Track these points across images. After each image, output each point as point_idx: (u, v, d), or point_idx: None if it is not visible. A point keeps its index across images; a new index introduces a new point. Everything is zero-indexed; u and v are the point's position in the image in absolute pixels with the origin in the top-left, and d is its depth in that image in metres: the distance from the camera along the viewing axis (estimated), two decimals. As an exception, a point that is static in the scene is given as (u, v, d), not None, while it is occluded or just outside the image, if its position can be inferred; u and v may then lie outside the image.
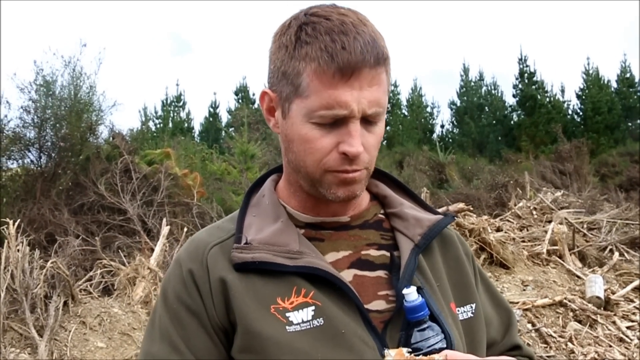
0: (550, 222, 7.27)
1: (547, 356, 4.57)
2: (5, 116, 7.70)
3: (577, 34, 41.35)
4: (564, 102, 23.05)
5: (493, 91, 24.11)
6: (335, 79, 0.94)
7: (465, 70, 24.33)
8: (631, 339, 4.98)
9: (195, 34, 45.25)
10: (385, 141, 21.45)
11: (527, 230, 7.35)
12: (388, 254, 1.08)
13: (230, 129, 18.05)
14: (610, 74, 32.84)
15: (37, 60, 8.15)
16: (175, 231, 6.51)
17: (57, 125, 7.72)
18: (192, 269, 1.03)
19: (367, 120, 0.99)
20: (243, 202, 1.13)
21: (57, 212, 6.91)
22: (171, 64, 40.99)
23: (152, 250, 5.51)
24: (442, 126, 25.33)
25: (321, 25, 0.96)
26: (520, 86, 22.95)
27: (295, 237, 1.04)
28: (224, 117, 22.97)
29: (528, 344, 4.44)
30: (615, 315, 5.33)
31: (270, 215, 1.08)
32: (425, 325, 0.98)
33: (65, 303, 4.32)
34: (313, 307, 0.98)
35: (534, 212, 7.94)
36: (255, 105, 20.34)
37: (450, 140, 23.28)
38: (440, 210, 1.25)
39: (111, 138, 8.45)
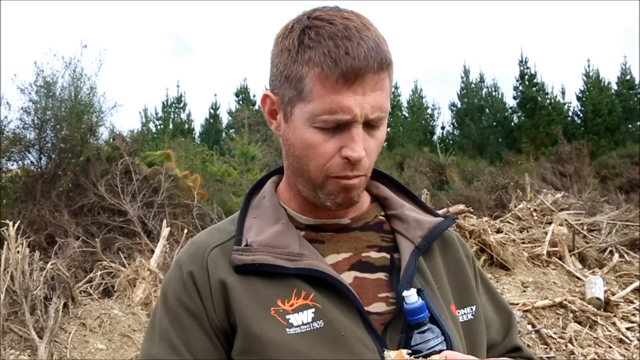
0: (550, 223, 7.27)
1: (547, 357, 4.57)
2: (6, 117, 7.72)
3: (577, 35, 41.38)
4: (564, 103, 23.09)
5: (493, 93, 24.14)
6: (339, 84, 0.94)
7: (466, 72, 24.37)
8: (631, 340, 4.98)
9: (195, 35, 45.29)
10: (385, 143, 21.30)
11: (527, 231, 7.35)
12: (388, 256, 1.08)
13: (231, 131, 18.06)
14: (610, 76, 32.84)
15: (37, 62, 8.17)
16: (176, 233, 6.51)
17: (58, 126, 7.72)
18: (193, 270, 1.03)
19: (370, 125, 0.99)
20: (243, 204, 1.13)
21: (57, 214, 6.91)
22: (172, 65, 41.05)
23: (153, 251, 5.51)
24: (443, 128, 25.38)
25: (324, 30, 0.96)
26: (520, 88, 22.97)
27: (295, 239, 1.04)
28: (225, 119, 23.02)
29: (528, 345, 4.44)
30: (615, 316, 5.33)
31: (271, 217, 1.08)
32: (425, 328, 0.98)
33: (65, 305, 4.32)
34: (313, 310, 0.98)
35: (534, 214, 7.95)
36: (256, 107, 20.35)
37: (451, 141, 23.29)
38: (440, 211, 1.25)
39: (111, 139, 8.46)
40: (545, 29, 40.52)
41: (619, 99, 22.46)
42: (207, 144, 16.23)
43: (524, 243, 6.82)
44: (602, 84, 22.83)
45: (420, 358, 0.93)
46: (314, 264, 1.00)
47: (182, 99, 22.31)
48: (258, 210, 1.10)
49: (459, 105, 24.15)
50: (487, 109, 23.67)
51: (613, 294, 5.64)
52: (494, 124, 23.06)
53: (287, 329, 0.96)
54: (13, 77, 9.80)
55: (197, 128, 23.15)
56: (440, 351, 0.95)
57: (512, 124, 23.03)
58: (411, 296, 0.98)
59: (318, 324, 0.97)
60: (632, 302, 5.72)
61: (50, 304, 4.18)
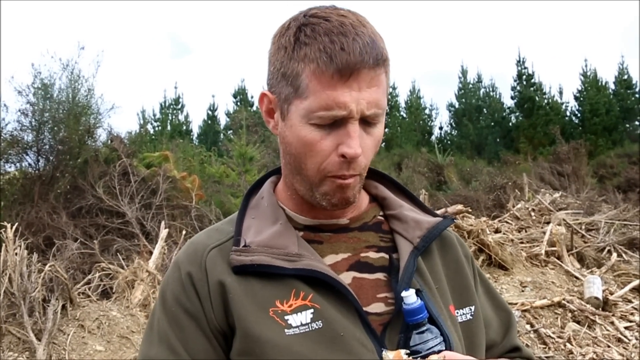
0: (548, 223, 7.28)
1: (546, 357, 4.57)
2: (3, 119, 7.70)
3: (575, 35, 41.45)
4: (562, 103, 23.12)
5: (491, 93, 24.17)
6: (334, 80, 0.94)
7: (464, 72, 24.41)
8: (629, 339, 4.98)
9: (193, 36, 45.30)
10: (383, 143, 21.44)
11: (526, 231, 7.36)
12: (387, 256, 1.08)
13: (229, 132, 18.03)
14: (608, 76, 32.93)
15: (35, 63, 8.16)
16: (174, 234, 6.50)
17: (55, 128, 7.71)
18: (191, 271, 1.03)
19: (366, 122, 0.99)
20: (242, 204, 1.13)
21: (55, 216, 6.90)
22: (169, 66, 41.03)
23: (151, 253, 5.51)
24: (441, 128, 25.49)
25: (320, 27, 0.96)
26: (518, 88, 23.00)
27: (294, 240, 1.04)
28: (223, 120, 23.00)
29: (527, 345, 4.44)
30: (613, 315, 5.34)
31: (269, 218, 1.07)
32: (424, 328, 0.98)
33: (63, 306, 4.31)
34: (312, 310, 0.98)
35: (533, 214, 7.95)
36: (254, 108, 20.37)
37: (449, 142, 23.32)
38: (438, 212, 1.25)
39: (109, 141, 8.45)
40: (543, 29, 40.60)
41: (616, 99, 22.50)
42: (205, 145, 16.22)
43: (522, 243, 6.83)
44: (600, 83, 22.87)
45: (419, 358, 0.93)
46: (312, 264, 1.00)
47: (180, 100, 22.32)
48: (256, 211, 1.10)
49: (456, 106, 24.18)
50: (484, 109, 23.70)
51: (611, 294, 5.65)
52: (492, 124, 23.09)
53: (285, 330, 0.96)
54: (10, 79, 9.80)
55: (195, 129, 23.18)
56: (439, 351, 0.95)
57: (510, 124, 23.06)
58: (410, 296, 0.98)
59: (317, 324, 0.97)
60: (630, 301, 5.73)
61: (48, 306, 4.18)
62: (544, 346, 4.75)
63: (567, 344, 4.77)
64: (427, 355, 0.95)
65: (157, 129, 20.66)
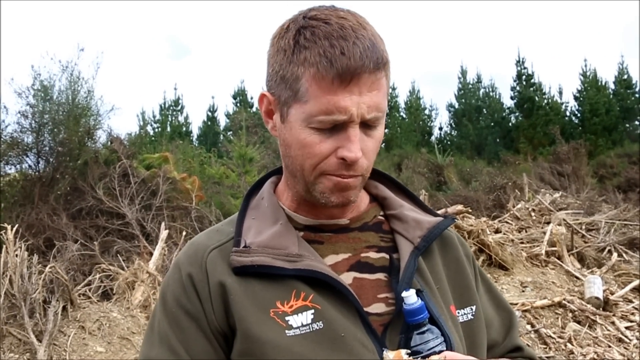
0: (548, 223, 7.28)
1: (547, 357, 4.57)
2: (3, 121, 7.70)
3: (574, 35, 41.46)
4: (561, 103, 23.13)
5: (491, 93, 24.17)
6: (335, 85, 0.94)
7: (463, 73, 24.41)
8: (630, 339, 4.98)
9: (193, 37, 45.31)
10: (383, 144, 21.40)
11: (526, 231, 7.36)
12: (387, 256, 1.07)
13: (229, 133, 18.03)
14: (608, 76, 32.92)
15: (34, 65, 8.17)
16: (174, 235, 6.50)
17: (55, 130, 7.71)
18: (191, 272, 1.03)
19: (367, 125, 0.98)
20: (242, 205, 1.12)
21: (55, 217, 6.90)
22: (169, 67, 41.04)
23: (151, 254, 5.51)
24: (441, 128, 25.46)
25: (320, 30, 0.96)
26: (518, 88, 23.01)
27: (294, 240, 1.04)
28: (222, 121, 23.01)
29: (528, 345, 4.43)
30: (614, 315, 5.34)
31: (270, 218, 1.07)
32: (424, 328, 0.98)
33: (64, 308, 4.31)
34: (312, 311, 0.98)
35: (533, 214, 7.95)
36: (254, 109, 20.37)
37: (449, 142, 23.32)
38: (439, 212, 1.24)
39: (109, 142, 8.45)
40: (542, 29, 40.61)
41: (616, 99, 22.51)
42: (204, 147, 16.21)
43: (522, 243, 6.83)
44: (600, 83, 22.87)
45: (420, 358, 0.93)
46: (313, 264, 1.00)
47: (180, 101, 22.32)
48: (257, 211, 1.10)
49: (456, 106, 24.18)
50: (484, 110, 23.71)
51: (612, 293, 5.65)
52: (492, 124, 23.09)
53: (286, 331, 0.96)
54: (10, 80, 9.79)
55: (195, 130, 23.19)
56: (440, 352, 0.95)
57: (510, 124, 23.07)
58: (410, 297, 0.98)
59: (317, 325, 0.97)
60: (631, 301, 5.72)
61: (49, 307, 4.17)
62: (544, 346, 4.75)
63: (568, 344, 4.76)
64: (428, 356, 0.94)
65: (156, 130, 20.67)
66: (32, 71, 7.87)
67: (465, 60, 39.45)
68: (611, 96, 22.60)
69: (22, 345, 4.00)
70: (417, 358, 0.93)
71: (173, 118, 22.01)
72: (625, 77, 22.97)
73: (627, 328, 5.18)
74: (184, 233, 6.18)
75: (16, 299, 4.08)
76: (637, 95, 22.61)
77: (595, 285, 5.58)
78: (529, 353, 1.22)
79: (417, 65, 42.58)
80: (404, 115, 24.04)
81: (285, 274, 0.99)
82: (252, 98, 22.85)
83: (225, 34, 45.76)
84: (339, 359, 0.95)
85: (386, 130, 22.38)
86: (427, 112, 24.68)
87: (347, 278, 1.03)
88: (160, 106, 21.93)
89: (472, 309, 1.11)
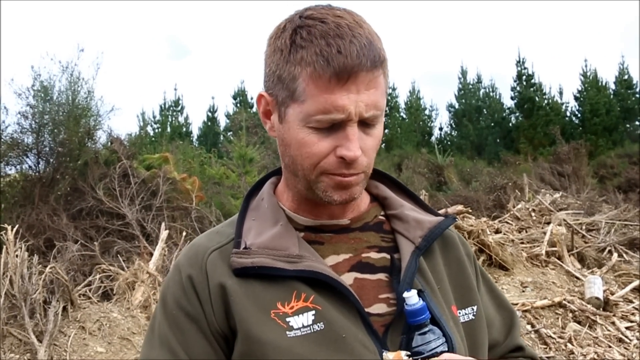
0: (549, 223, 7.28)
1: (547, 357, 4.57)
2: (3, 122, 7.70)
3: (575, 36, 41.47)
4: (562, 104, 23.13)
5: (491, 93, 24.17)
6: (332, 84, 0.93)
7: (463, 73, 24.42)
8: (630, 340, 4.98)
9: (193, 37, 45.32)
10: (383, 144, 21.47)
11: (526, 231, 7.36)
12: (388, 256, 1.07)
13: (229, 133, 18.04)
14: (608, 76, 32.94)
15: (34, 66, 8.15)
16: (174, 235, 6.50)
17: (55, 130, 7.71)
18: (191, 274, 1.03)
19: (365, 123, 0.98)
20: (242, 206, 1.12)
21: (55, 218, 6.91)
22: (169, 68, 41.05)
23: (151, 254, 5.51)
24: (441, 129, 25.45)
25: (316, 29, 0.95)
26: (518, 88, 23.01)
27: (294, 241, 1.03)
28: (222, 121, 23.01)
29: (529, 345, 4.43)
30: (614, 315, 5.34)
31: (270, 219, 1.07)
32: (426, 329, 0.97)
33: (64, 308, 4.31)
34: (313, 312, 0.97)
35: (533, 214, 7.95)
36: (254, 109, 20.35)
37: (449, 142, 23.32)
38: (439, 212, 1.24)
39: (109, 143, 8.45)
40: (543, 30, 40.62)
41: (616, 99, 22.51)
42: (205, 147, 16.21)
43: (522, 243, 6.83)
44: (600, 83, 22.87)
45: (419, 359, 0.92)
46: (313, 265, 1.00)
47: (180, 102, 22.34)
48: (257, 212, 1.09)
49: (456, 106, 24.19)
50: (484, 110, 23.71)
51: (612, 294, 5.65)
52: (492, 124, 23.09)
53: (287, 332, 0.96)
54: (10, 81, 9.81)
55: (195, 131, 23.19)
56: (441, 352, 0.95)
57: (510, 124, 23.07)
58: (412, 297, 0.97)
59: (318, 326, 0.97)
60: (631, 301, 5.72)
61: (49, 308, 4.18)
62: (544, 346, 4.75)
63: (568, 344, 4.76)
64: (429, 357, 0.94)
65: (157, 130, 20.67)
66: (32, 72, 7.88)
67: (465, 61, 39.51)
68: (612, 96, 22.59)
69: (22, 346, 4.00)
70: (417, 359, 0.93)
71: (173, 118, 22.02)
72: (626, 77, 22.97)
73: (627, 328, 5.18)
74: (184, 233, 6.18)
75: (16, 299, 4.08)
76: (637, 96, 22.61)
77: (595, 285, 5.58)
78: (530, 353, 1.22)
79: (417, 66, 42.62)
80: (404, 116, 24.05)
81: (285, 275, 0.99)
82: (252, 98, 22.85)
83: (225, 34, 45.80)
84: (340, 359, 0.95)
85: (386, 131, 22.53)
86: (427, 112, 24.70)
87: (348, 278, 1.03)
88: (161, 107, 21.96)
89: (473, 309, 1.11)
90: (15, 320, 4.11)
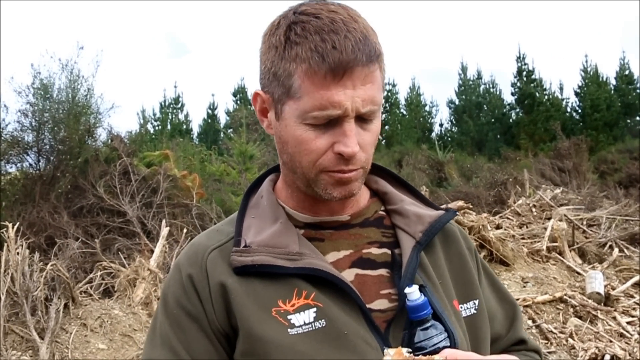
0: (549, 219, 7.28)
1: (548, 352, 4.57)
2: (3, 120, 7.71)
3: (575, 31, 41.39)
4: (562, 99, 23.09)
5: (491, 89, 24.12)
6: (327, 80, 0.93)
7: (464, 69, 24.36)
8: (631, 334, 4.98)
9: (192, 35, 45.24)
10: (384, 140, 21.48)
11: (527, 227, 7.36)
12: (389, 252, 1.07)
13: (229, 130, 18.02)
14: (609, 71, 32.88)
15: (34, 64, 8.18)
16: (175, 232, 6.51)
17: (55, 128, 7.72)
18: (192, 273, 1.02)
19: (362, 119, 0.97)
20: (242, 204, 1.12)
21: (56, 215, 6.91)
22: (169, 66, 40.99)
23: (152, 251, 5.51)
24: (441, 125, 25.38)
25: (310, 25, 0.94)
26: (518, 84, 22.96)
27: (295, 238, 1.03)
28: (223, 119, 22.97)
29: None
30: (615, 310, 5.34)
31: (269, 217, 1.07)
32: (428, 324, 0.97)
33: (65, 305, 4.32)
34: (315, 309, 0.97)
35: (534, 210, 7.95)
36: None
37: (449, 138, 23.29)
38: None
39: (109, 140, 8.46)
40: (543, 25, 40.52)
41: (617, 94, 22.46)
42: (205, 144, 16.19)
43: (523, 239, 6.83)
44: (601, 79, 22.82)
45: (420, 356, 0.92)
46: (314, 262, 0.99)
47: (180, 99, 22.30)
48: (256, 210, 1.09)
49: (456, 102, 24.15)
50: (485, 106, 23.67)
51: (613, 289, 5.65)
52: (492, 120, 23.06)
53: (288, 330, 0.96)
54: (10, 79, 9.82)
55: (195, 128, 23.14)
56: (443, 348, 0.94)
57: (511, 120, 23.04)
58: (413, 293, 0.97)
59: (320, 323, 0.96)
60: (632, 296, 5.73)
61: (50, 305, 4.19)
62: (546, 341, 4.76)
63: (569, 339, 4.77)
64: (431, 352, 0.94)
65: (157, 128, 20.64)
66: (32, 70, 7.89)
67: (465, 57, 39.35)
68: (612, 92, 22.55)
69: (24, 343, 4.01)
70: (417, 355, 0.93)
71: (173, 116, 22.00)
72: (627, 72, 22.92)
73: (628, 323, 5.18)
74: (184, 230, 6.19)
75: (18, 296, 4.09)
76: (638, 91, 22.57)
77: (596, 280, 5.59)
78: (532, 346, 1.22)
79: (417, 62, 42.54)
80: (405, 112, 24.01)
81: (286, 273, 0.99)
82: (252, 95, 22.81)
83: (224, 31, 45.75)
84: (342, 357, 0.95)
85: (386, 127, 22.51)
86: (427, 108, 24.65)
87: (349, 275, 1.02)
88: (161, 104, 21.93)
89: (475, 303, 1.10)
90: (16, 317, 4.12)
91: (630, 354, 4.67)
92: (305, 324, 0.96)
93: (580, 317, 5.17)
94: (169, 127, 20.79)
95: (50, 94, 7.85)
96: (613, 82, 23.05)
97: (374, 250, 1.07)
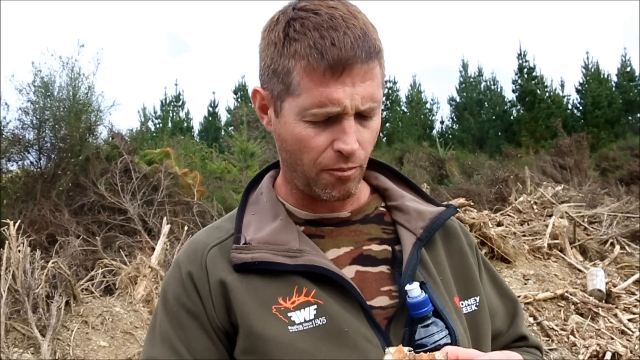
0: (551, 216, 7.28)
1: (549, 349, 4.57)
2: (4, 118, 7.72)
3: (576, 28, 41.33)
4: (563, 96, 23.08)
5: (492, 87, 24.11)
6: (326, 77, 0.92)
7: (465, 66, 24.35)
8: (633, 331, 4.98)
9: (192, 33, 45.25)
10: (385, 138, 21.48)
11: (528, 224, 7.36)
12: (390, 248, 1.06)
13: (230, 128, 18.04)
14: (610, 68, 32.79)
15: (35, 62, 8.16)
16: (176, 230, 6.51)
17: (56, 126, 7.72)
18: (191, 271, 1.02)
19: (362, 116, 0.96)
20: (241, 201, 1.11)
21: (57, 213, 6.92)
22: (169, 63, 41.02)
23: (153, 249, 5.52)
24: (442, 122, 25.45)
25: (309, 21, 0.94)
26: (519, 81, 22.95)
27: (295, 235, 1.02)
28: (223, 116, 22.99)
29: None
30: (616, 307, 5.34)
31: (269, 213, 1.06)
32: (429, 321, 0.97)
33: (67, 303, 4.33)
34: (315, 306, 0.97)
35: (535, 207, 7.95)
36: (255, 104, 20.31)
37: (450, 136, 23.28)
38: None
39: (110, 138, 8.46)
40: (544, 22, 40.47)
41: (618, 91, 22.44)
42: (206, 142, 16.20)
43: (524, 236, 6.83)
44: (602, 76, 22.79)
45: (421, 353, 0.92)
46: (314, 259, 0.99)
47: (181, 97, 22.32)
48: (256, 207, 1.08)
49: (457, 100, 24.14)
50: (486, 103, 23.66)
51: (614, 286, 5.65)
52: (493, 117, 23.06)
53: (289, 327, 0.95)
54: (11, 77, 9.85)
55: (196, 126, 23.18)
56: (444, 345, 0.94)
57: (512, 117, 23.03)
58: (414, 290, 0.97)
59: (320, 320, 0.96)
60: (633, 293, 5.73)
61: (52, 302, 4.19)
62: (547, 338, 4.76)
63: (570, 337, 4.77)
64: (432, 349, 0.93)
65: (158, 126, 20.67)
66: (32, 68, 7.89)
67: (466, 54, 39.47)
68: (613, 89, 22.52)
69: (25, 340, 4.02)
70: (418, 352, 0.92)
71: (174, 114, 22.02)
72: (628, 69, 22.89)
73: (629, 320, 5.18)
74: (185, 228, 6.19)
75: (19, 294, 4.10)
76: (639, 88, 22.54)
77: (597, 277, 5.59)
78: (534, 342, 1.21)
79: (418, 59, 42.50)
80: (405, 109, 24.01)
81: (286, 270, 0.98)
82: (253, 93, 22.78)
83: (224, 29, 45.74)
84: (343, 354, 0.95)
85: (387, 125, 22.49)
86: (428, 105, 24.65)
87: (349, 272, 1.02)
88: (161, 102, 21.95)
89: (475, 300, 1.10)
90: (18, 314, 4.13)
91: (631, 351, 4.67)
92: (305, 321, 0.96)
93: (581, 314, 5.17)
94: (169, 124, 20.80)
95: (51, 91, 7.85)
96: (614, 79, 23.05)
97: (375, 247, 1.06)
